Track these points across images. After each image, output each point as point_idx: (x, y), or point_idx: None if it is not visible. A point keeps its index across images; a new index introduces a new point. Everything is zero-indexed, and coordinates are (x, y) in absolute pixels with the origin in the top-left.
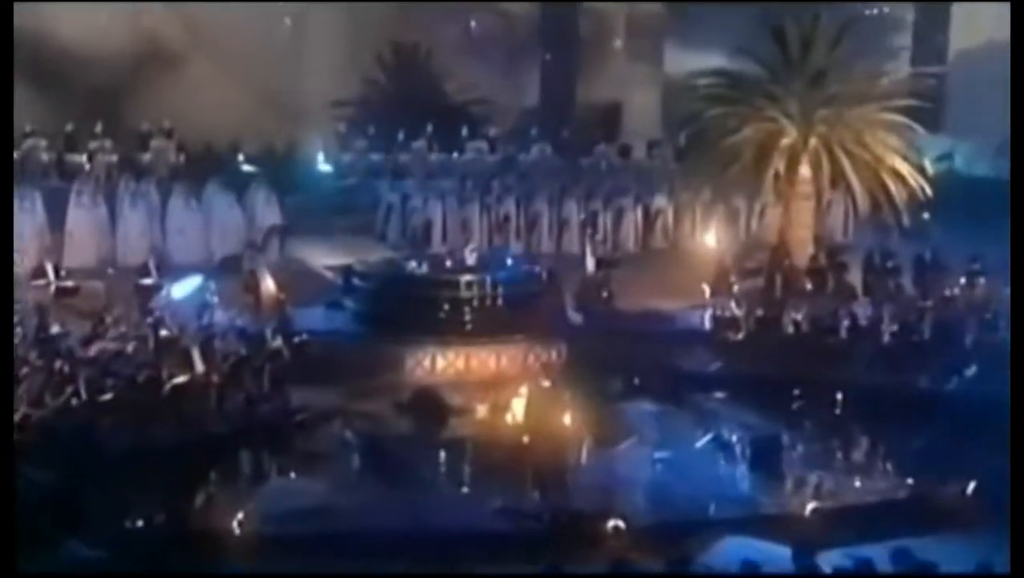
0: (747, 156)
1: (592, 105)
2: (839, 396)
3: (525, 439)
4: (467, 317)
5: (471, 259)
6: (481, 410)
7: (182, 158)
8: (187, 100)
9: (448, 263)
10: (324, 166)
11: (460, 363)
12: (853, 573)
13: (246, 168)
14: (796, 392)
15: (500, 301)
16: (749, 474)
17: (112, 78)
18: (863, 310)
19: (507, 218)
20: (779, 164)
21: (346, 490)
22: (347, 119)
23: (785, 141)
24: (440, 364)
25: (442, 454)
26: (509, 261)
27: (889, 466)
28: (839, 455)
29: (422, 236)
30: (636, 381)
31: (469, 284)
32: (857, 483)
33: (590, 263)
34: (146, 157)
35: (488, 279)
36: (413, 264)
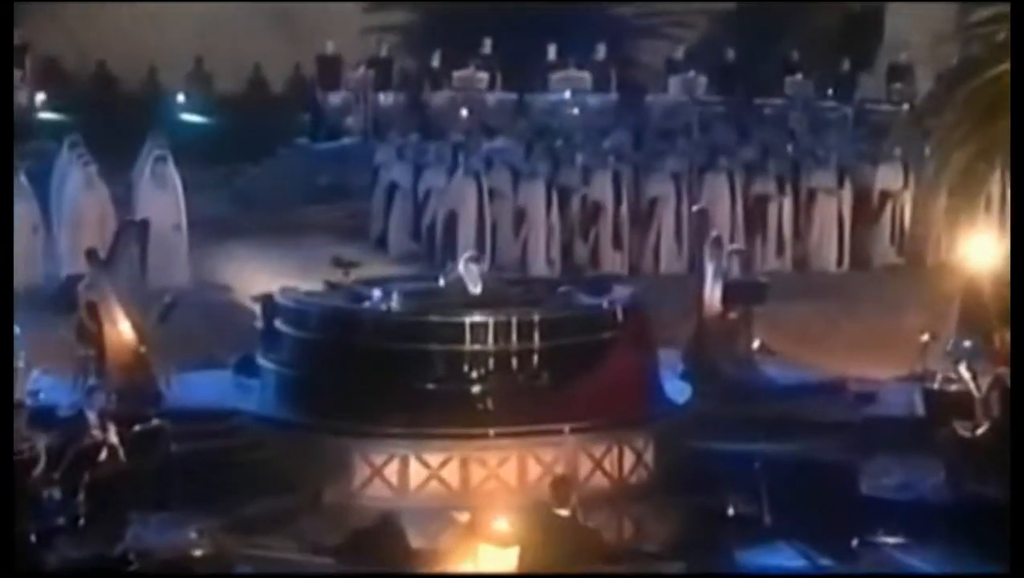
0: None
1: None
2: None
3: None
4: (473, 389)
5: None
6: (482, 559)
7: (38, 99)
8: None
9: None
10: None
11: (451, 473)
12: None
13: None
14: None
15: (536, 360)
16: None
17: None
18: None
19: (598, 209)
20: None
21: None
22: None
23: None
24: (415, 475)
25: None
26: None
27: None
28: None
29: (442, 238)
30: (768, 510)
31: (479, 329)
32: None
33: (715, 292)
34: None
35: (514, 320)
36: (377, 293)
